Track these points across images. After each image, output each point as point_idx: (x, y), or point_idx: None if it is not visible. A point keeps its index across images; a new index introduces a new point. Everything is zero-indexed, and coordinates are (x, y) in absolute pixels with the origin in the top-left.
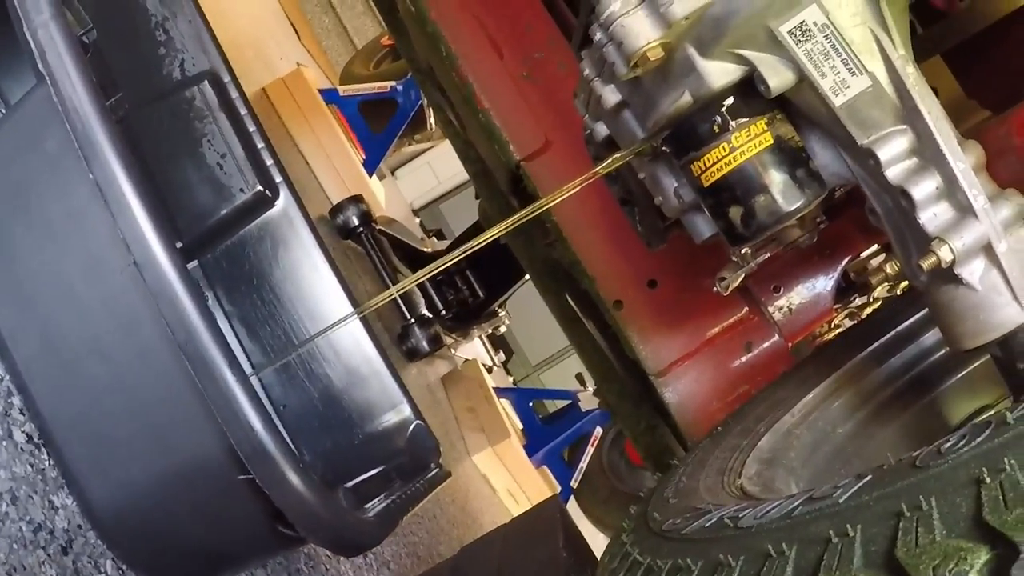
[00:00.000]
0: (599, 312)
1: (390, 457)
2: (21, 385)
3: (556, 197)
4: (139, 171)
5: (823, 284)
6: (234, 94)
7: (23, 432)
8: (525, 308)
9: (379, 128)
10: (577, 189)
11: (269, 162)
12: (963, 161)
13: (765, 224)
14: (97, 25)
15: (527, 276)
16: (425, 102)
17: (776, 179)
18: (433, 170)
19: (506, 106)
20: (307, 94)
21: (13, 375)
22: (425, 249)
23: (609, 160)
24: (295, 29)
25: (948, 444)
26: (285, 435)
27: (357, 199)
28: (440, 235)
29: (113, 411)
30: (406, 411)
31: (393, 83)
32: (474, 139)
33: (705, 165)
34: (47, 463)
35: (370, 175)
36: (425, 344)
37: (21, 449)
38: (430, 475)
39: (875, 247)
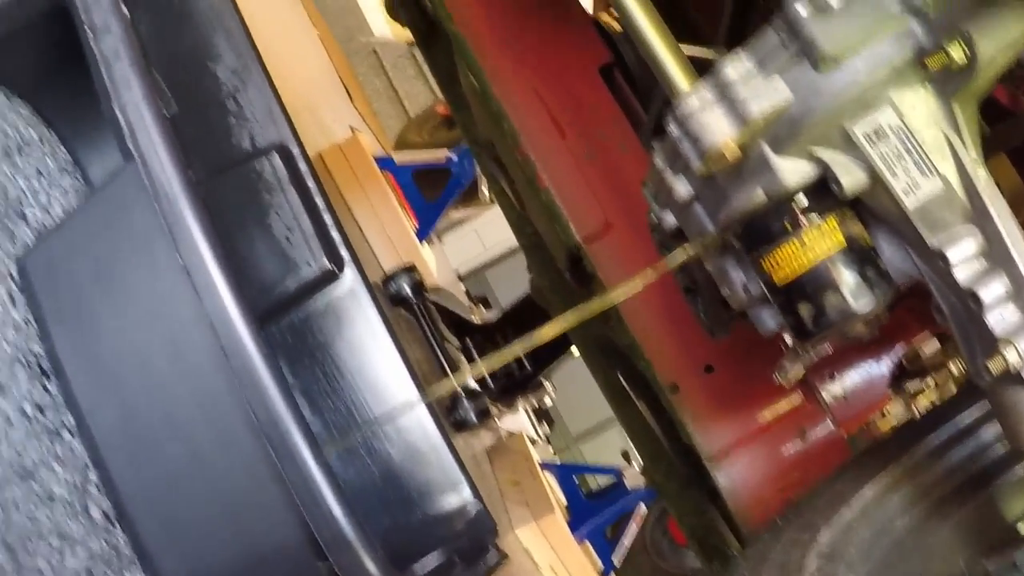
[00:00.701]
0: (652, 393)
1: (449, 538)
2: (98, 460)
3: (624, 290)
4: (223, 251)
5: (878, 371)
6: (303, 167)
7: (99, 508)
8: (567, 378)
9: (432, 196)
10: (644, 282)
11: (336, 237)
12: None
13: (834, 323)
14: (173, 94)
15: (574, 349)
16: (479, 172)
17: (847, 278)
18: (480, 237)
19: (568, 186)
20: (363, 161)
21: (91, 450)
22: (474, 319)
23: (679, 253)
24: (347, 91)
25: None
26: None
27: (410, 269)
28: (485, 302)
29: (189, 489)
30: (466, 492)
31: (448, 153)
32: (534, 217)
33: (776, 262)
34: (122, 540)
35: (421, 242)
36: (473, 416)
37: (97, 525)
38: (487, 557)
39: (930, 335)
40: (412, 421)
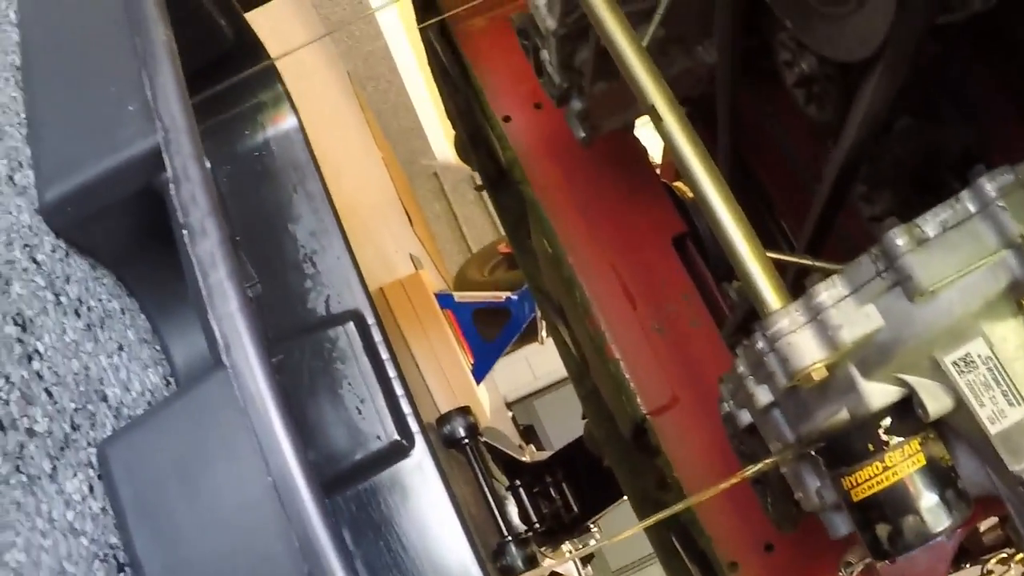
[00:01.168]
0: (707, 564)
1: None
2: None
3: (702, 496)
4: (302, 450)
5: (939, 555)
6: (377, 337)
7: None
8: (608, 513)
9: (490, 335)
10: (723, 488)
11: (407, 411)
12: None
13: (912, 545)
14: (251, 256)
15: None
16: (538, 315)
17: (927, 501)
18: (530, 365)
19: (636, 358)
20: (424, 299)
21: None
22: (524, 459)
23: (760, 463)
24: (408, 216)
25: None
26: None
27: (465, 411)
28: (531, 431)
29: None
30: None
31: (508, 293)
32: (599, 382)
33: (857, 481)
34: None
35: (478, 383)
36: (520, 563)
37: None
38: None
39: (993, 520)
40: None
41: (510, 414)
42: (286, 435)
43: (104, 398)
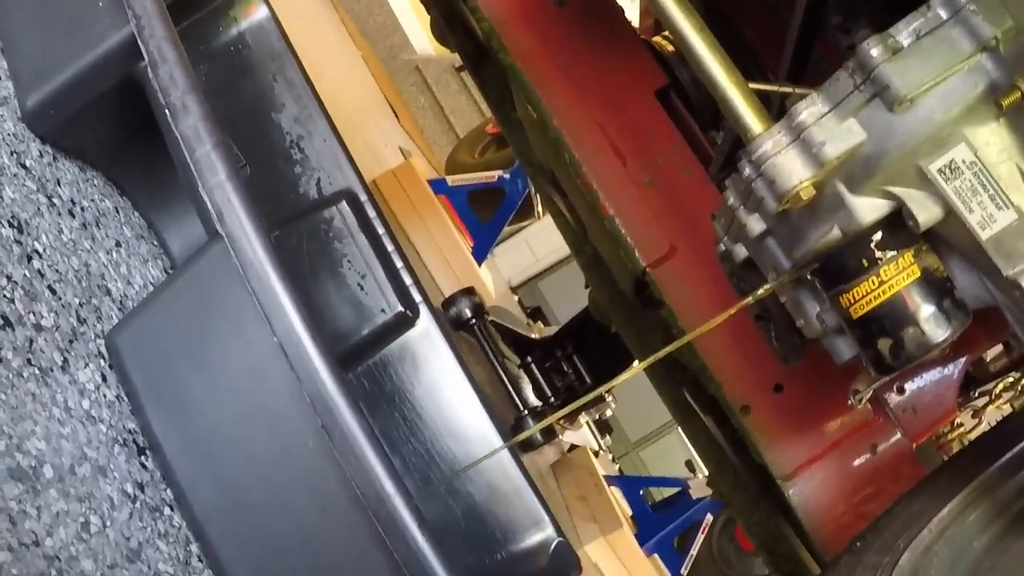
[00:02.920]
0: (720, 410)
1: (534, 574)
2: (199, 533)
3: (700, 330)
4: (309, 317)
5: (946, 384)
6: (371, 212)
7: None
8: (625, 385)
9: (487, 216)
10: (721, 320)
11: (409, 282)
12: None
13: (914, 356)
14: (240, 148)
15: (634, 363)
16: (532, 190)
17: (924, 311)
18: (531, 248)
19: (631, 213)
20: (417, 186)
21: (192, 524)
22: (532, 335)
23: (758, 292)
24: (394, 111)
25: None
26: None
27: (470, 291)
28: (538, 312)
29: (289, 560)
30: (548, 529)
31: (500, 172)
32: (596, 242)
33: (854, 298)
34: None
35: (479, 263)
36: (539, 435)
37: None
38: None
39: (998, 347)
40: (493, 463)
41: (516, 298)
42: (287, 295)
43: (107, 292)
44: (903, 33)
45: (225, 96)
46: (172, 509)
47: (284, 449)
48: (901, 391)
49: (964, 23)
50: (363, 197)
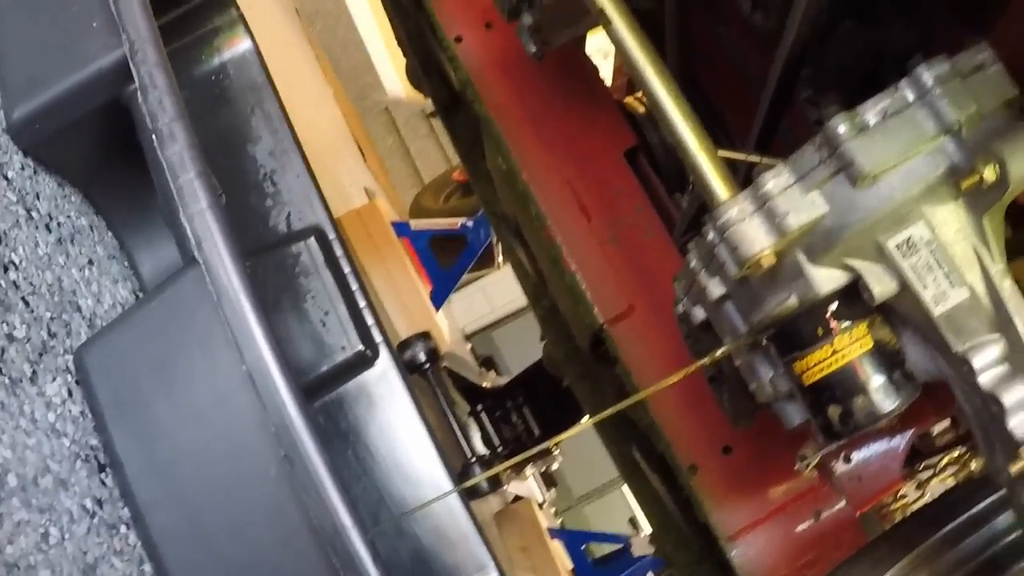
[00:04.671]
0: (667, 469)
1: None
2: (154, 554)
3: (655, 389)
4: (278, 351)
5: (892, 455)
6: (339, 251)
7: None
8: (570, 440)
9: (448, 262)
10: (676, 380)
11: (370, 322)
12: None
13: (862, 424)
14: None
15: (585, 418)
16: (494, 240)
17: (875, 382)
18: (487, 296)
19: (592, 269)
20: (381, 227)
21: (147, 544)
22: (484, 384)
23: (715, 353)
24: (361, 151)
25: None
26: None
27: (425, 336)
28: (490, 361)
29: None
30: (493, 574)
31: (464, 220)
32: (556, 296)
33: (807, 365)
34: None
35: (437, 309)
36: (485, 484)
37: None
38: None
39: (945, 421)
40: (441, 507)
41: (469, 346)
42: (259, 326)
43: (78, 308)
44: (870, 112)
45: (203, 124)
46: (128, 527)
47: (245, 476)
48: (848, 460)
49: (930, 106)
50: (331, 235)
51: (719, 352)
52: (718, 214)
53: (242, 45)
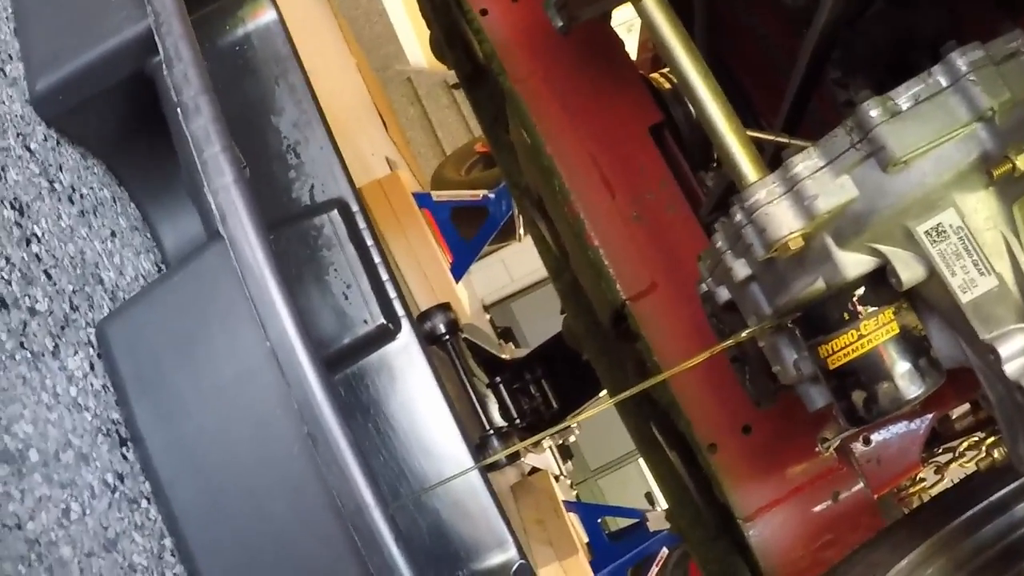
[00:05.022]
0: (686, 446)
1: None
2: (174, 529)
3: (677, 370)
4: (303, 325)
5: (911, 438)
6: (362, 224)
7: (173, 574)
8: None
9: (469, 234)
10: (699, 361)
11: (393, 295)
12: None
13: (886, 410)
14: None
15: (603, 392)
16: (516, 212)
17: (900, 368)
18: (507, 268)
19: (615, 245)
20: (402, 198)
21: (168, 519)
22: (503, 356)
23: (739, 335)
24: (383, 120)
25: None
26: None
27: (445, 307)
28: (509, 333)
29: (262, 562)
30: (511, 550)
31: (485, 191)
32: (578, 271)
33: (832, 349)
34: None
35: (457, 280)
36: (503, 457)
37: None
38: None
39: (965, 406)
40: (461, 482)
41: (488, 316)
42: (284, 302)
43: (100, 281)
44: (903, 97)
45: (227, 95)
46: (149, 502)
47: (267, 453)
48: (867, 442)
49: (963, 92)
50: (355, 207)
51: (745, 334)
52: (746, 195)
53: (267, 16)
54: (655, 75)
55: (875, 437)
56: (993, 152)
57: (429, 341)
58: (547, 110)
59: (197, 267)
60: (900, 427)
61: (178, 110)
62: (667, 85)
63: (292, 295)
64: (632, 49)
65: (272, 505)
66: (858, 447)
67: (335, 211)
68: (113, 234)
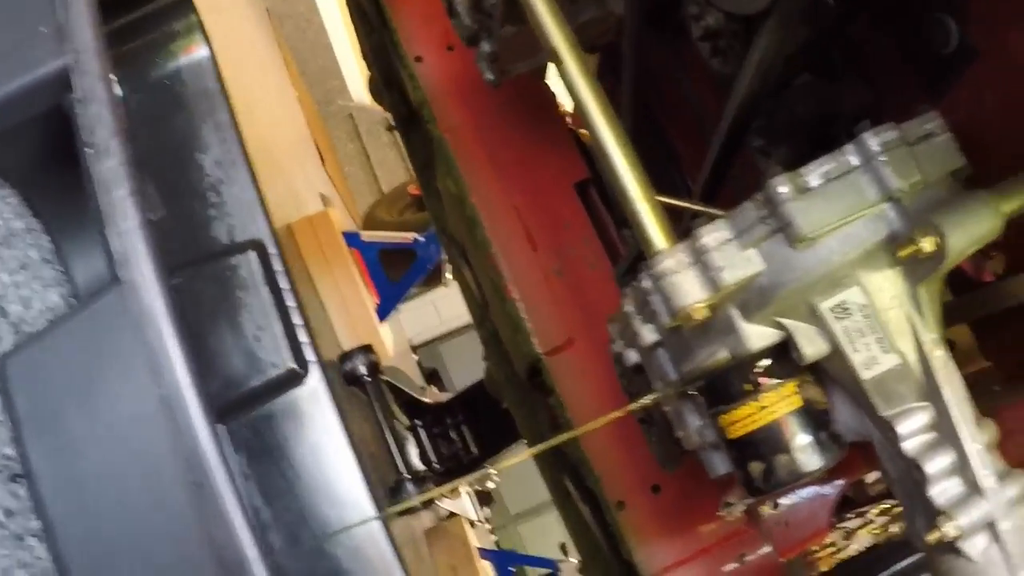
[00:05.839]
0: (597, 502)
1: None
2: (62, 569)
3: (588, 428)
4: (199, 374)
5: (821, 503)
6: (278, 267)
7: None
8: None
9: (396, 276)
10: (607, 421)
11: (304, 340)
12: (978, 442)
13: (784, 482)
14: (157, 180)
15: (520, 446)
16: (444, 258)
17: (799, 441)
18: (437, 309)
19: (534, 299)
20: (331, 236)
21: (56, 559)
22: (425, 399)
23: (643, 399)
24: (321, 155)
25: None
26: None
27: (367, 349)
28: (435, 375)
29: None
30: None
31: (416, 235)
32: (497, 322)
33: (733, 419)
34: None
35: (382, 321)
36: (417, 502)
37: None
38: None
39: (876, 473)
40: (364, 530)
41: (415, 357)
42: (178, 351)
43: (5, 313)
44: (813, 174)
45: (153, 129)
46: (38, 540)
47: (156, 498)
48: (776, 505)
49: (873, 172)
50: (272, 250)
51: (647, 398)
52: (654, 263)
53: (199, 52)
54: (585, 131)
55: (784, 501)
56: (901, 232)
57: (349, 382)
58: (474, 160)
59: (99, 308)
60: (810, 492)
61: (89, 150)
62: None
63: (191, 342)
64: (570, 101)
65: (159, 550)
66: (767, 510)
67: (252, 252)
68: (23, 266)
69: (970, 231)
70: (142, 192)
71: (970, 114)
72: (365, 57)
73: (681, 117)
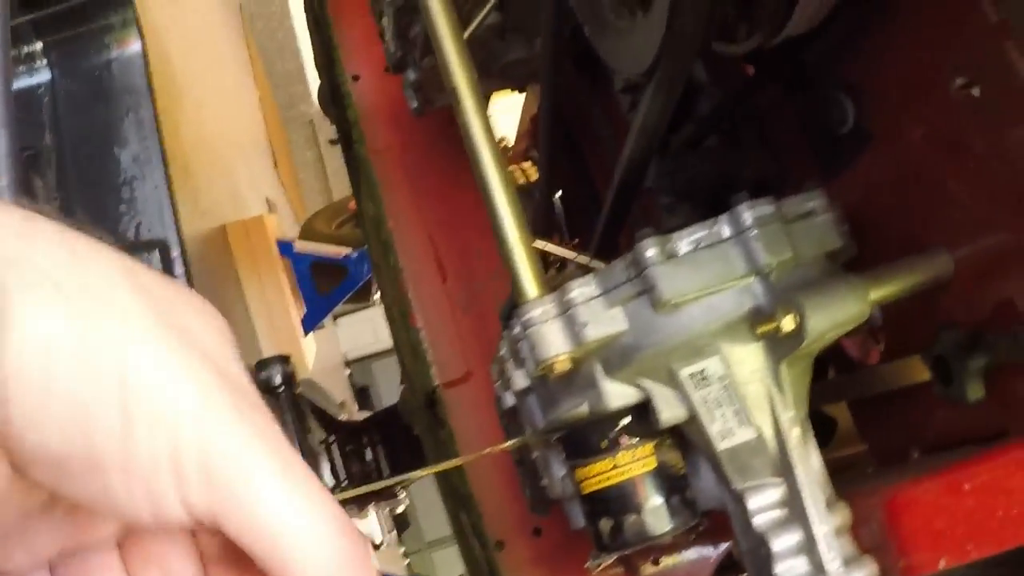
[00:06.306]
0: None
1: None
2: None
3: (465, 459)
4: None
5: (702, 564)
6: (178, 270)
7: None
8: (425, 483)
9: (325, 289)
10: (483, 455)
11: None
12: (827, 525)
13: (631, 542)
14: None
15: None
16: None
17: (651, 503)
18: (374, 327)
19: (438, 330)
20: (264, 242)
21: None
22: (341, 416)
23: (510, 443)
24: (275, 158)
25: None
26: None
27: (284, 359)
28: (366, 392)
29: None
30: None
31: (349, 251)
32: (401, 348)
33: (588, 474)
34: None
35: (306, 333)
36: None
37: None
38: None
39: None
40: None
41: (347, 372)
42: None
43: None
44: (683, 240)
45: (78, 117)
46: None
47: None
48: (656, 562)
49: (744, 245)
50: (175, 253)
51: (514, 442)
52: (523, 311)
53: (132, 46)
54: (513, 166)
55: (665, 559)
56: (765, 308)
57: (264, 390)
58: (396, 185)
59: None
60: (692, 552)
61: None
62: (521, 179)
63: None
64: (511, 134)
65: None
66: (647, 567)
67: (156, 252)
68: None
69: (833, 314)
70: (16, 186)
71: (863, 196)
72: (317, 67)
73: (605, 164)
